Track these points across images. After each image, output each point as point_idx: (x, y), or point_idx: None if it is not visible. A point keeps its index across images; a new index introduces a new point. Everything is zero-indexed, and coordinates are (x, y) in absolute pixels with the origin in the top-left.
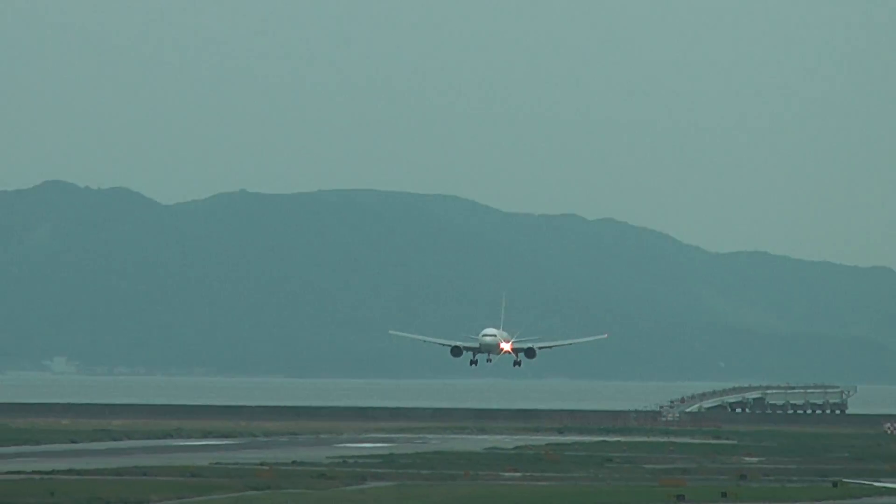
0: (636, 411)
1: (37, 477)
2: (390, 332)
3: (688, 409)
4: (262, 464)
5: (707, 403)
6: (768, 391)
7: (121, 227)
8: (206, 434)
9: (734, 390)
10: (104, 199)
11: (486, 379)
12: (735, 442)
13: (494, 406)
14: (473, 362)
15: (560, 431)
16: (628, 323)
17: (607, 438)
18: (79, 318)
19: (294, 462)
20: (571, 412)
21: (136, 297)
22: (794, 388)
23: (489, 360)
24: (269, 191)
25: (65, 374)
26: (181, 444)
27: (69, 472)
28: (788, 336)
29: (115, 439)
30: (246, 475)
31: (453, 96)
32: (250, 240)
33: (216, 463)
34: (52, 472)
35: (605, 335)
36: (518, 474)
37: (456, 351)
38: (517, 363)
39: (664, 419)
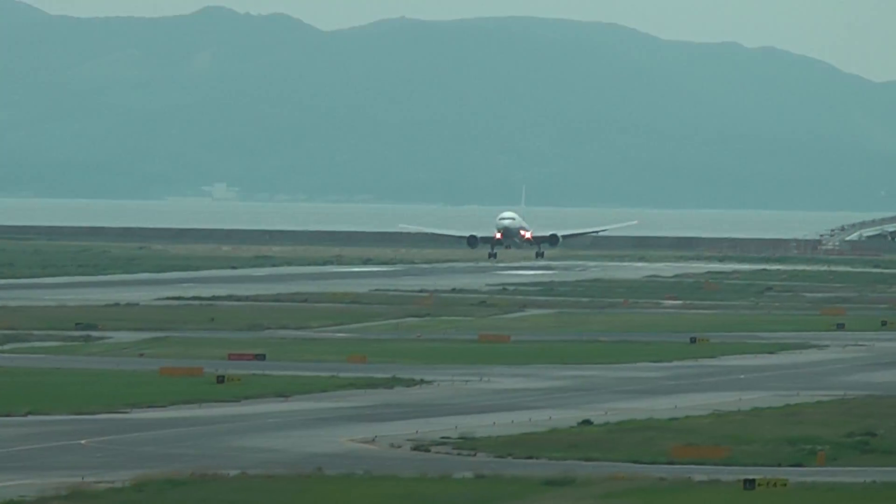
0: (796, 240)
1: (197, 303)
2: (399, 226)
3: (848, 238)
4: (421, 291)
5: (867, 232)
6: None
7: (280, 53)
8: (365, 261)
9: (894, 219)
10: (264, 26)
11: (648, 209)
12: (894, 271)
13: (654, 234)
14: (492, 255)
15: (720, 260)
16: (788, 152)
17: (767, 267)
18: (239, 145)
19: (453, 289)
20: (731, 241)
21: (295, 123)
22: None
23: (508, 248)
24: (429, 17)
25: (225, 201)
26: (341, 270)
27: (229, 298)
28: None
29: (274, 266)
30: (405, 302)
31: None
32: (410, 66)
33: (376, 290)
34: (213, 298)
35: (636, 222)
36: (678, 302)
37: (472, 241)
38: (540, 254)
39: (824, 248)
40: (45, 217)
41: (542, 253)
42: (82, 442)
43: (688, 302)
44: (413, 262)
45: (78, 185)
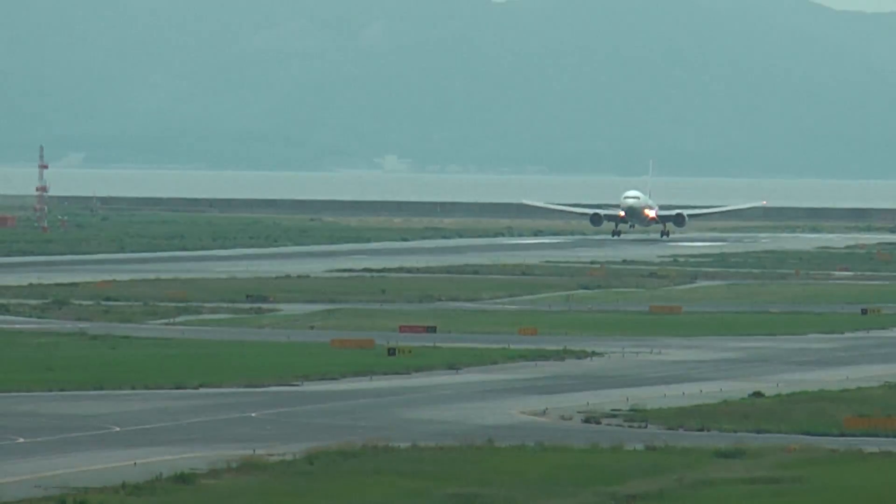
0: None
1: (368, 274)
2: (522, 201)
3: None
4: (592, 262)
5: None
6: None
7: (453, 23)
8: (536, 232)
9: None
10: None
11: (814, 178)
12: None
13: (826, 205)
14: (616, 233)
15: (892, 231)
16: None
17: None
18: (411, 117)
19: (624, 261)
20: None
21: (467, 95)
22: None
23: (632, 226)
24: None
25: (396, 172)
26: (512, 242)
27: (400, 269)
28: None
29: (445, 237)
30: (577, 273)
31: None
32: (582, 37)
33: (547, 261)
34: (384, 269)
35: (765, 202)
36: (849, 273)
37: (595, 219)
38: (665, 233)
39: None
40: (216, 189)
41: (668, 232)
42: (253, 414)
43: (860, 273)
44: (584, 234)
45: (250, 157)
